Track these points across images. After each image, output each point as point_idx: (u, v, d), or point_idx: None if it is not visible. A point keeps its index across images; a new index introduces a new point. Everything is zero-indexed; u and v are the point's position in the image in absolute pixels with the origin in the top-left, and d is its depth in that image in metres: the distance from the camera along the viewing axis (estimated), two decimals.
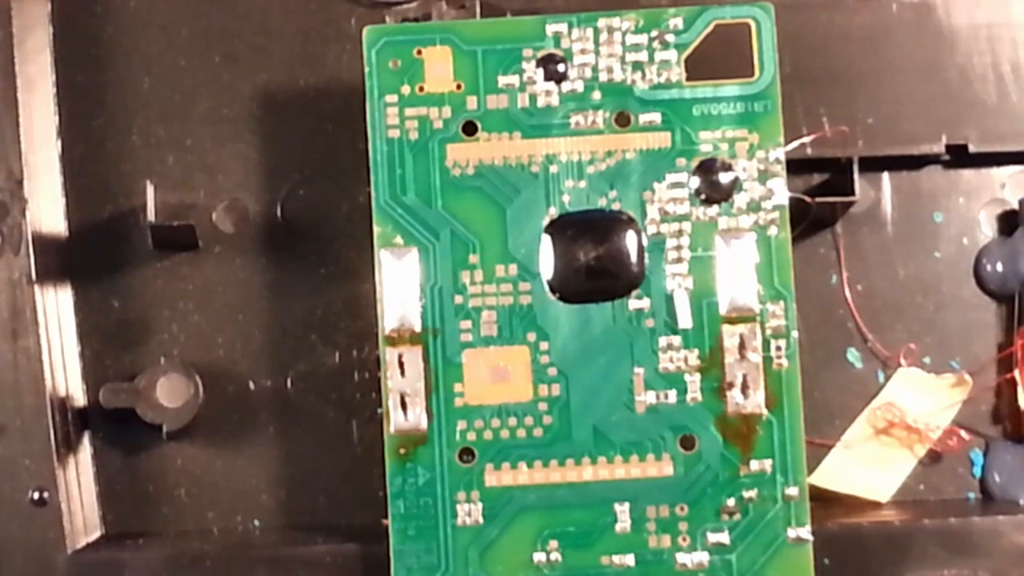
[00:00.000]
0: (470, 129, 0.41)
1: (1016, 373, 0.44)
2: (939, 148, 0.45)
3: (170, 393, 0.44)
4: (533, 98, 0.41)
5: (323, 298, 0.45)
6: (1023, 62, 0.45)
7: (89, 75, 0.45)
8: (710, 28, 0.41)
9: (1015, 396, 0.44)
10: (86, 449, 0.44)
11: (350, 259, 0.45)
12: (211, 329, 0.45)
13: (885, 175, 0.45)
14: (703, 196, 0.41)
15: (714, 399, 0.41)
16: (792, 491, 0.40)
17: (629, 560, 0.41)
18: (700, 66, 0.41)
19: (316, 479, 0.44)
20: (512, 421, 0.41)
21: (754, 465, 0.41)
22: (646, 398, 0.41)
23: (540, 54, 0.41)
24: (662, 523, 0.41)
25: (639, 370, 0.41)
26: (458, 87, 0.41)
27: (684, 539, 0.41)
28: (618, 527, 0.41)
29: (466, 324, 0.41)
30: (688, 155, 0.41)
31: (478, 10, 0.43)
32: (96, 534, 0.44)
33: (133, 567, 0.42)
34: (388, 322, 0.41)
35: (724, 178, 0.41)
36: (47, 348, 0.42)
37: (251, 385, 0.45)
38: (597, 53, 0.41)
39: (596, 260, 0.41)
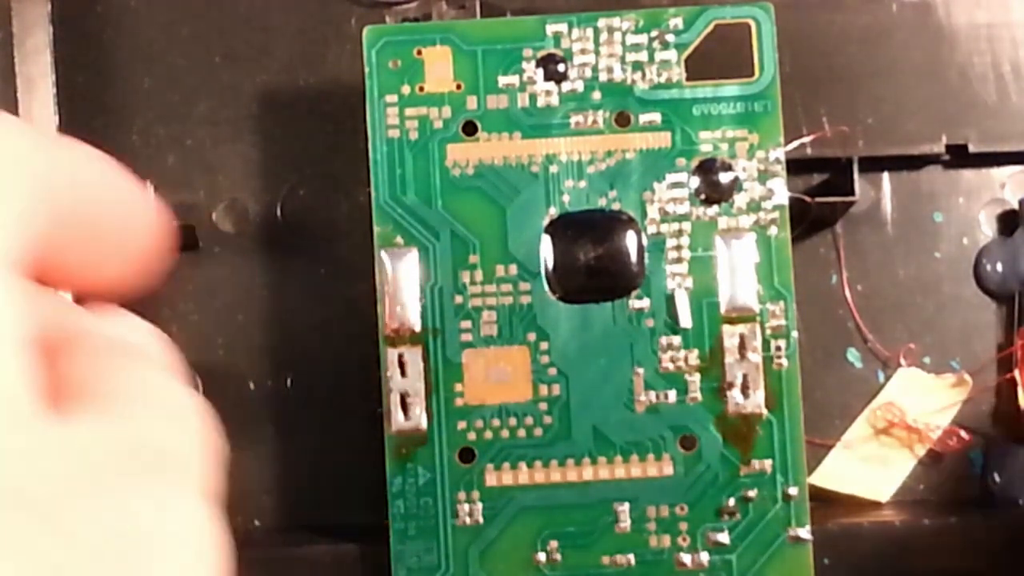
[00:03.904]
0: (470, 129, 0.41)
1: (1016, 373, 0.44)
2: (939, 148, 0.45)
3: None
4: (533, 98, 0.41)
5: (323, 298, 0.45)
6: (1023, 62, 0.45)
7: (89, 75, 0.45)
8: (710, 28, 0.41)
9: (1015, 396, 0.44)
10: None
11: (350, 259, 0.45)
12: (211, 329, 0.45)
13: (885, 175, 0.45)
14: (703, 196, 0.41)
15: (714, 399, 0.41)
16: (792, 491, 0.40)
17: (629, 560, 0.41)
18: (700, 66, 0.41)
19: (316, 479, 0.44)
20: (512, 421, 0.41)
21: (754, 465, 0.41)
22: (646, 398, 0.41)
23: (540, 54, 0.41)
24: (662, 523, 0.41)
25: (639, 370, 0.41)
26: (458, 87, 0.41)
27: (684, 539, 0.41)
28: (618, 527, 0.41)
29: (466, 324, 0.41)
30: (688, 155, 0.41)
31: (478, 10, 0.43)
32: None
33: None
34: (388, 322, 0.41)
35: (724, 178, 0.41)
36: None
37: (251, 385, 0.45)
38: (597, 53, 0.41)
39: (596, 260, 0.41)
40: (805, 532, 0.40)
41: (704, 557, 0.40)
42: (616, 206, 0.41)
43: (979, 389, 0.45)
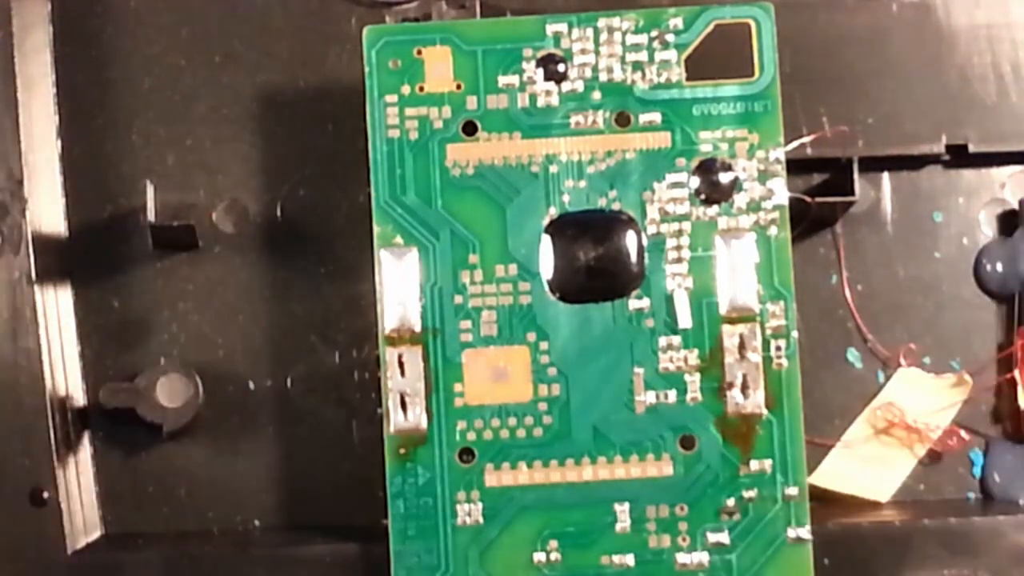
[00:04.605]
0: (470, 129, 0.41)
1: (1016, 373, 0.44)
2: (939, 148, 0.45)
3: (170, 393, 0.44)
4: (533, 98, 0.41)
5: (323, 298, 0.45)
6: (1023, 62, 0.45)
7: (89, 75, 0.45)
8: (710, 28, 0.41)
9: (1015, 396, 0.44)
10: (86, 449, 0.44)
11: (350, 259, 0.45)
12: (211, 329, 0.45)
13: (885, 175, 0.45)
14: (703, 196, 0.41)
15: (714, 399, 0.41)
16: (792, 491, 0.40)
17: (629, 560, 0.41)
18: (700, 66, 0.41)
19: (316, 479, 0.44)
20: (512, 421, 0.41)
21: (754, 465, 0.41)
22: (646, 398, 0.41)
23: (540, 54, 0.41)
24: (662, 523, 0.41)
25: (639, 370, 0.41)
26: (458, 87, 0.41)
27: (684, 539, 0.41)
28: (618, 527, 0.41)
29: (466, 324, 0.41)
30: (688, 155, 0.41)
31: (478, 10, 0.43)
32: (96, 534, 0.44)
33: (133, 567, 0.42)
34: (388, 322, 0.41)
35: (724, 178, 0.41)
36: (47, 348, 0.42)
37: (251, 385, 0.45)
38: (597, 53, 0.41)
39: (596, 260, 0.41)
40: (805, 532, 0.40)
41: (704, 557, 0.40)
42: (616, 206, 0.41)
43: (979, 389, 0.45)
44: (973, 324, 0.45)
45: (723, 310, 0.41)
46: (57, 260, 0.44)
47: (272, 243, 0.45)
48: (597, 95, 0.41)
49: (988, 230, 0.45)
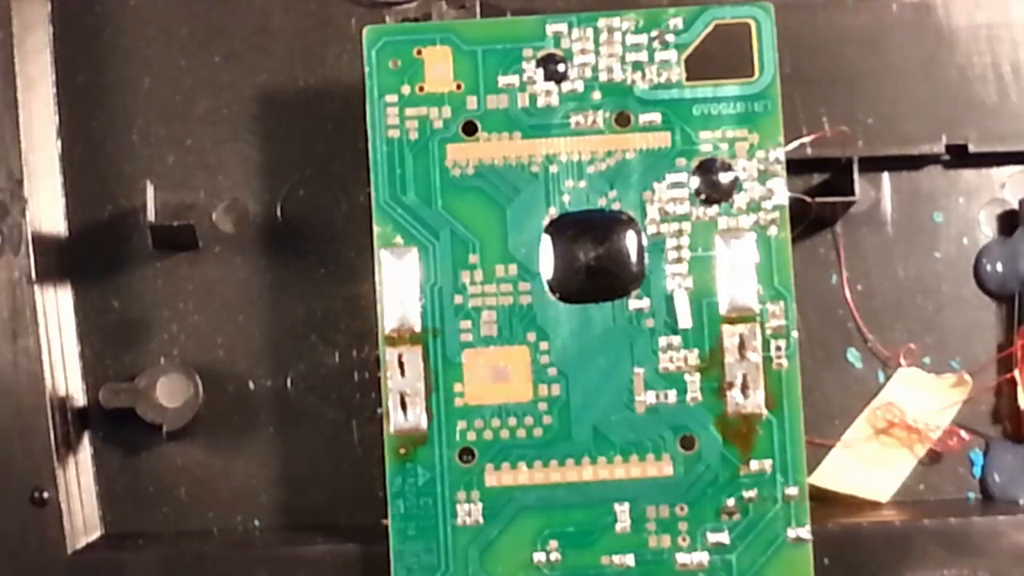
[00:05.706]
0: (470, 129, 0.41)
1: (1016, 373, 0.44)
2: (939, 148, 0.45)
3: (170, 393, 0.44)
4: (533, 98, 0.41)
5: (323, 298, 0.45)
6: (1023, 62, 0.45)
7: (89, 75, 0.45)
8: (710, 28, 0.41)
9: (1015, 396, 0.44)
10: (86, 449, 0.44)
11: (350, 259, 0.45)
12: (211, 329, 0.45)
13: (885, 175, 0.45)
14: (703, 196, 0.41)
15: (714, 399, 0.41)
16: (792, 491, 0.40)
17: (629, 560, 0.41)
18: (700, 66, 0.41)
19: (316, 479, 0.44)
20: (512, 421, 0.41)
21: (754, 465, 0.41)
22: (646, 398, 0.41)
23: (540, 54, 0.41)
24: (662, 523, 0.41)
25: (639, 370, 0.41)
26: (458, 87, 0.41)
27: (684, 539, 0.41)
28: (618, 527, 0.41)
29: (466, 324, 0.41)
30: (688, 155, 0.41)
31: (478, 10, 0.43)
32: (96, 534, 0.44)
33: (133, 567, 0.42)
34: (388, 322, 0.41)
35: (724, 178, 0.41)
36: (47, 348, 0.42)
37: (251, 385, 0.45)
38: (597, 53, 0.41)
39: (596, 260, 0.41)
40: (805, 532, 0.41)
41: (704, 557, 0.40)
42: (616, 206, 0.41)
43: (979, 389, 0.45)
44: (973, 324, 0.45)
45: (723, 310, 0.41)
46: (57, 260, 0.44)
47: (272, 243, 0.45)
48: (597, 95, 0.41)
49: (988, 230, 0.45)
